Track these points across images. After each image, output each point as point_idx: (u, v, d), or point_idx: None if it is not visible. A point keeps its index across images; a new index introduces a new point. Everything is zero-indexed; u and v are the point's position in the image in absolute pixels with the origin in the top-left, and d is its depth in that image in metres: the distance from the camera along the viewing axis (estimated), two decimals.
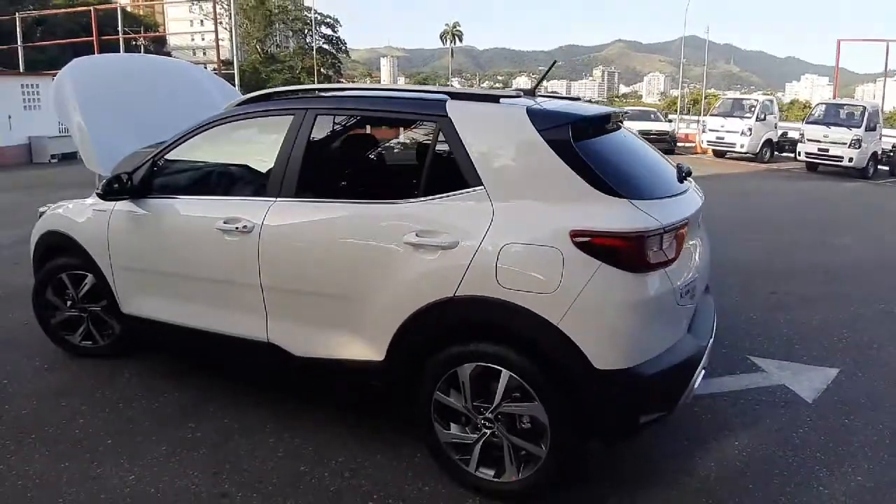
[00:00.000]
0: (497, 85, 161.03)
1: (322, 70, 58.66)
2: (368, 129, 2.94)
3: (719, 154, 19.49)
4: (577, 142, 2.46)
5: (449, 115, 2.62)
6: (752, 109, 18.44)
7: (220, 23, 55.25)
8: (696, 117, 28.22)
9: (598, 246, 2.27)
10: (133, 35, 40.51)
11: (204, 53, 68.25)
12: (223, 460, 2.92)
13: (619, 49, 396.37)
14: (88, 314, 4.03)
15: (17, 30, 24.09)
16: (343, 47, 62.73)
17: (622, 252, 2.26)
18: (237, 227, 3.01)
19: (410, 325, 2.56)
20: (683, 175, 2.89)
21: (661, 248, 2.33)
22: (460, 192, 2.53)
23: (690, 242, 2.66)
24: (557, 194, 2.41)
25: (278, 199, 2.96)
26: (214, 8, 24.97)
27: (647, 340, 2.35)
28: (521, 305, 2.33)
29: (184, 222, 3.31)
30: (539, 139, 2.45)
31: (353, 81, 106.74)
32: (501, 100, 2.67)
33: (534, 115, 2.53)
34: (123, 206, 3.52)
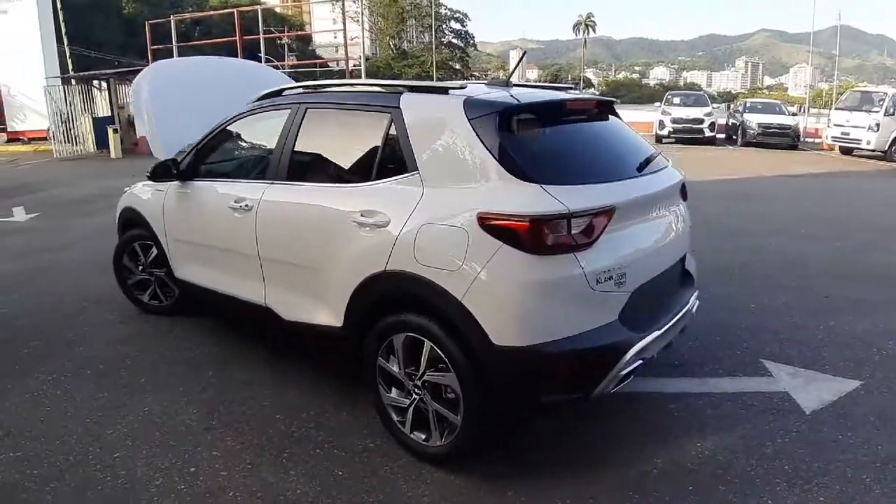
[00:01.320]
0: (633, 76, 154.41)
1: (451, 64, 60.07)
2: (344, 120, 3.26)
3: (846, 151, 17.62)
4: (506, 129, 2.58)
5: (401, 106, 2.86)
6: (881, 103, 16.42)
7: (356, 20, 58.39)
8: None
9: (500, 228, 2.39)
10: (276, 34, 43.69)
11: (338, 51, 72.35)
12: (220, 403, 3.42)
13: (764, 39, 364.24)
14: (154, 278, 4.74)
15: (173, 31, 26.93)
16: (471, 41, 63.56)
17: (521, 234, 2.36)
18: (242, 206, 3.51)
19: (357, 295, 2.86)
20: (646, 162, 2.93)
21: (566, 233, 2.39)
22: (400, 176, 2.79)
23: (631, 229, 2.66)
24: (476, 178, 2.56)
25: (274, 182, 3.41)
26: (343, 8, 26.30)
27: (548, 322, 2.41)
28: (433, 280, 2.52)
29: (211, 201, 3.84)
30: (468, 126, 2.61)
31: (486, 75, 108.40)
32: (450, 91, 2.83)
33: (468, 104, 2.68)
34: (174, 187, 4.13)
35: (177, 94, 4.82)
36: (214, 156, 4.03)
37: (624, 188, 2.69)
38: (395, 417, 2.87)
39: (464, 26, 62.32)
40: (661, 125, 20.17)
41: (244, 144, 3.98)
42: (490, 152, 2.53)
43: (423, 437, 2.76)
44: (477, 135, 2.57)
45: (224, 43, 32.84)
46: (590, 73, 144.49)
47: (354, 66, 33.29)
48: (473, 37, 64.66)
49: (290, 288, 3.33)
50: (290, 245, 3.28)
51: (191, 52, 37.48)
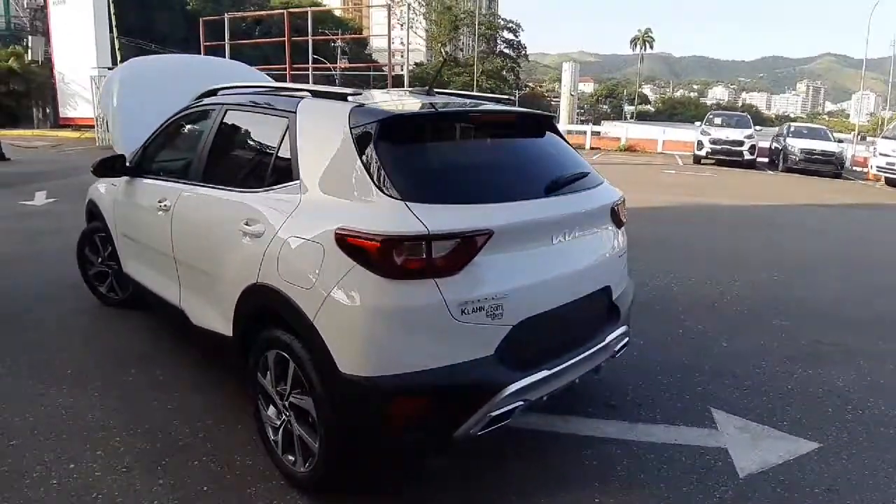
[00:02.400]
0: (691, 94, 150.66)
1: (503, 74, 59.79)
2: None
3: (892, 183, 16.37)
4: (387, 140, 2.37)
5: (297, 111, 2.70)
6: None
7: (411, 28, 58.77)
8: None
9: (353, 246, 2.18)
10: (330, 37, 44.34)
11: (400, 56, 73.04)
12: (127, 402, 3.38)
13: (828, 63, 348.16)
14: (112, 271, 4.68)
15: (226, 28, 27.60)
16: (524, 52, 63.20)
17: (371, 255, 2.14)
18: (163, 206, 3.44)
19: (238, 306, 2.73)
20: (561, 184, 2.67)
21: (424, 256, 2.15)
22: (284, 184, 2.62)
23: (518, 255, 2.39)
24: (347, 191, 2.36)
25: (189, 183, 3.33)
26: (389, 14, 26.43)
27: (397, 352, 2.18)
28: (290, 297, 2.35)
29: (145, 199, 3.79)
30: (348, 136, 2.42)
31: (541, 86, 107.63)
32: (348, 98, 2.65)
33: (353, 113, 2.49)
34: (123, 183, 4.09)
35: (145, 92, 4.81)
36: (156, 154, 3.98)
37: (511, 210, 2.41)
38: (270, 436, 2.70)
39: (517, 37, 62.01)
40: (700, 145, 19.42)
41: (178, 143, 3.90)
42: (363, 164, 2.33)
43: (293, 459, 2.58)
44: (355, 145, 2.38)
45: (274, 43, 33.47)
46: (647, 90, 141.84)
47: (397, 73, 33.41)
48: (526, 47, 64.25)
49: (197, 292, 3.22)
50: (195, 248, 3.19)
51: (244, 50, 38.47)
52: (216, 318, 2.97)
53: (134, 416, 3.21)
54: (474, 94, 3.66)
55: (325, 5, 62.34)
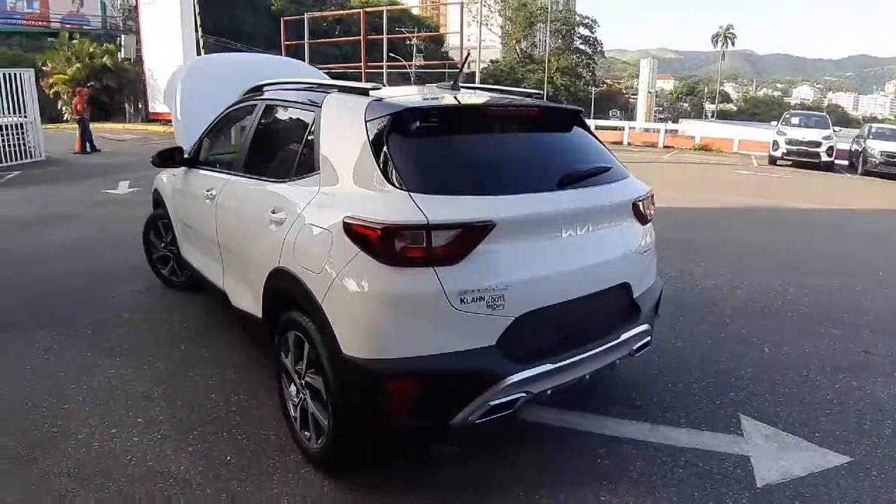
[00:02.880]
0: (775, 93, 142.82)
1: (578, 70, 58.76)
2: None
3: None
4: (399, 133, 2.45)
5: (322, 105, 2.82)
6: None
7: (486, 25, 58.67)
8: None
9: (358, 234, 2.27)
10: (405, 35, 44.89)
11: (461, 53, 72.91)
12: (172, 375, 3.65)
13: None
14: (172, 254, 5.00)
15: (305, 28, 28.49)
16: (599, 48, 61.84)
17: (374, 242, 2.23)
18: (209, 194, 3.68)
19: (265, 288, 2.89)
20: (577, 178, 2.68)
21: (424, 245, 2.20)
22: (308, 175, 2.75)
23: (523, 247, 2.41)
24: (359, 181, 2.46)
25: (233, 173, 3.55)
26: (462, 12, 26.46)
27: (395, 337, 2.25)
28: (303, 280, 2.48)
29: (197, 188, 4.04)
30: (363, 129, 2.51)
31: (619, 83, 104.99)
32: (370, 93, 2.73)
33: (370, 106, 2.57)
34: (181, 173, 4.36)
35: (207, 89, 5.09)
36: (208, 146, 4.24)
37: (517, 203, 2.42)
38: (291, 413, 2.84)
39: (592, 33, 60.73)
40: (775, 146, 18.36)
41: (226, 137, 4.15)
42: (375, 156, 2.42)
43: (308, 436, 2.71)
44: (367, 137, 2.48)
45: (353, 41, 34.28)
46: (729, 88, 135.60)
47: (484, 68, 33.55)
48: (602, 44, 62.78)
49: (236, 276, 3.43)
50: (234, 234, 3.40)
51: (324, 49, 39.52)
52: (250, 300, 3.16)
53: (175, 388, 3.47)
54: (503, 88, 3.66)
55: (402, 4, 63.14)
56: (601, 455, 2.89)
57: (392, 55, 40.91)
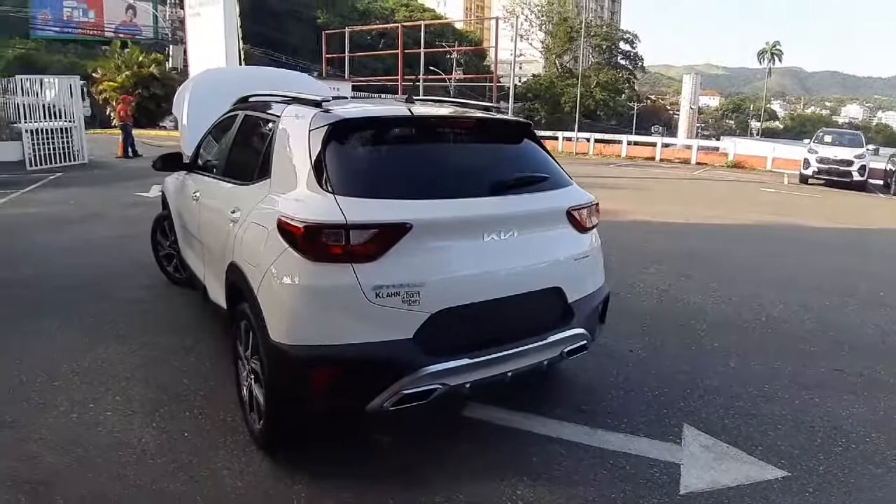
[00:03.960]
0: (823, 112, 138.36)
1: (618, 85, 58.30)
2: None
3: None
4: (335, 141, 2.66)
5: (281, 115, 3.07)
6: None
7: (527, 39, 58.70)
8: None
9: (286, 231, 2.49)
10: (444, 49, 45.50)
11: (520, 67, 73.35)
12: (154, 361, 3.92)
13: None
14: (176, 252, 5.30)
15: (346, 41, 29.27)
16: (640, 63, 61.23)
17: (297, 239, 2.44)
18: (195, 196, 3.99)
19: (226, 282, 3.15)
20: (508, 185, 2.85)
21: (343, 243, 2.40)
22: (263, 179, 3.00)
23: (442, 248, 2.58)
24: (298, 184, 2.67)
25: (214, 177, 3.84)
26: (496, 30, 26.74)
27: (314, 325, 2.44)
28: (245, 273, 2.74)
29: (188, 190, 4.33)
30: (305, 138, 2.73)
31: (663, 98, 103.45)
32: (323, 104, 2.93)
33: (316, 116, 2.79)
34: (181, 176, 4.65)
35: (211, 99, 5.39)
36: (202, 152, 4.52)
37: (437, 207, 2.60)
38: (244, 396, 3.06)
39: (633, 48, 60.18)
40: (806, 164, 17.90)
41: (214, 144, 4.41)
42: (312, 162, 2.64)
43: (255, 417, 2.92)
44: (308, 145, 2.70)
45: (392, 54, 35.01)
46: (776, 105, 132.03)
47: (526, 81, 33.83)
48: (643, 59, 62.18)
49: (211, 270, 3.70)
50: (209, 232, 3.68)
51: (365, 62, 40.37)
52: (219, 293, 3.42)
53: (155, 372, 3.75)
54: (465, 102, 3.83)
55: (445, 18, 63.80)
56: (532, 453, 3.00)
57: (433, 69, 41.57)
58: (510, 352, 2.74)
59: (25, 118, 13.99)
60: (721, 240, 8.92)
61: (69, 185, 11.88)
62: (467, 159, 2.98)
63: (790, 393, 3.81)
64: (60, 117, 14.54)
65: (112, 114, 27.19)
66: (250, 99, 3.94)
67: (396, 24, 38.30)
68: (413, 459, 2.91)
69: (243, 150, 3.61)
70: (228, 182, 3.50)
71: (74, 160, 14.70)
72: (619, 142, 28.04)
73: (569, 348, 2.98)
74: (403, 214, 2.49)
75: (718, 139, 40.25)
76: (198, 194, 3.93)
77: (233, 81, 5.88)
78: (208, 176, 3.99)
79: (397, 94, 32.54)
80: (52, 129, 14.17)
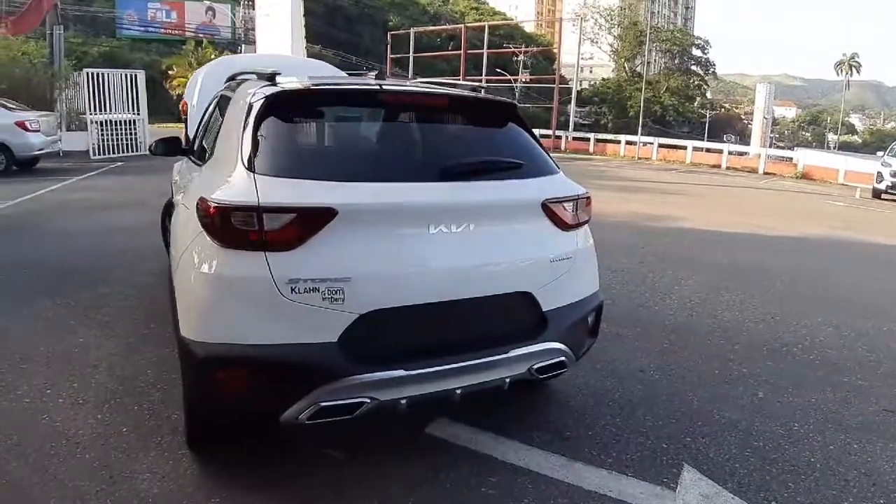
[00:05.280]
0: None
1: (688, 91, 55.97)
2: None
3: None
4: (271, 116, 2.34)
5: (236, 91, 2.82)
6: None
7: (596, 43, 57.26)
8: None
9: (201, 212, 2.18)
10: (510, 50, 44.82)
11: (590, 71, 71.61)
12: (131, 349, 3.75)
13: None
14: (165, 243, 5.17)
15: (411, 42, 29.20)
16: (711, 69, 58.64)
17: (208, 221, 2.13)
18: (176, 180, 3.92)
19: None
20: (465, 170, 2.44)
21: (255, 228, 2.06)
22: (209, 160, 2.72)
23: (378, 238, 2.20)
24: (228, 162, 2.36)
25: (190, 160, 3.63)
26: (560, 32, 26.02)
27: (224, 321, 2.11)
28: (171, 259, 2.52)
29: (183, 174, 4.06)
30: (243, 112, 2.41)
31: (737, 107, 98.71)
32: (277, 78, 2.61)
33: (259, 90, 2.46)
34: (182, 161, 4.47)
35: (220, 86, 5.20)
36: (196, 137, 4.28)
37: (368, 190, 2.21)
38: None
39: (705, 54, 57.60)
40: (879, 178, 16.23)
41: (205, 128, 4.18)
42: (243, 138, 2.32)
43: None
44: (245, 120, 2.37)
45: (454, 55, 34.78)
46: (854, 119, 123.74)
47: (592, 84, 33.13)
48: (714, 65, 59.43)
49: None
50: (175, 219, 3.42)
51: (429, 62, 40.31)
52: None
53: (122, 362, 3.54)
54: (451, 83, 3.39)
55: (512, 19, 63.07)
56: (490, 483, 2.55)
57: (499, 71, 40.99)
58: (458, 365, 2.31)
59: (92, 110, 14.49)
60: (772, 252, 8.07)
61: (124, 173, 12.19)
62: (424, 140, 2.59)
63: (824, 435, 3.18)
64: (127, 110, 15.01)
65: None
66: (236, 79, 3.67)
67: (460, 26, 37.97)
68: (354, 480, 2.52)
69: (208, 131, 3.36)
70: (194, 163, 3.25)
71: (137, 150, 15.14)
72: (684, 147, 26.74)
73: (539, 365, 2.52)
74: (327, 198, 2.12)
75: (792, 150, 37.81)
76: (177, 178, 3.69)
77: (244, 67, 5.69)
78: (191, 159, 3.75)
79: None
80: (116, 121, 14.63)
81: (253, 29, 30.27)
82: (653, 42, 57.56)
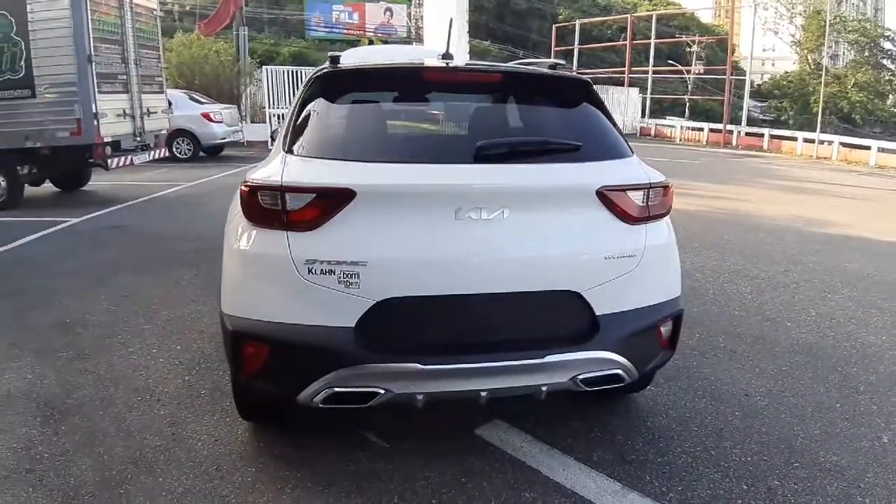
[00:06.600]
0: None
1: (878, 87, 47.98)
2: None
3: None
4: (316, 95, 2.34)
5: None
6: None
7: (777, 33, 51.26)
8: None
9: (241, 191, 2.20)
10: (682, 40, 41.81)
11: (773, 64, 64.55)
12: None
13: None
14: None
15: (576, 33, 28.35)
16: None
17: (242, 200, 2.14)
18: None
19: None
20: (508, 152, 2.23)
21: (279, 207, 2.03)
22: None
23: (399, 222, 2.05)
24: (279, 144, 2.38)
25: None
26: (731, 21, 23.52)
27: (251, 297, 2.13)
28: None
29: None
30: (301, 95, 2.42)
31: None
32: (342, 60, 2.53)
33: (317, 71, 2.47)
34: None
35: None
36: None
37: (391, 171, 2.08)
38: None
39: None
40: None
41: None
42: (289, 119, 2.35)
43: None
44: (299, 101, 2.38)
45: (622, 46, 33.31)
46: None
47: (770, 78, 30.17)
48: None
49: None
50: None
51: (598, 53, 38.96)
52: None
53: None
54: (529, 61, 3.08)
55: (683, 8, 58.66)
56: (527, 500, 2.28)
57: (671, 62, 38.41)
58: (483, 365, 2.08)
59: (270, 104, 15.91)
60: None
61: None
62: (470, 121, 2.40)
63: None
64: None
65: None
66: None
67: (627, 16, 36.01)
68: (386, 475, 2.40)
69: None
70: None
71: None
72: (868, 147, 22.93)
73: (586, 376, 2.19)
74: (346, 179, 2.02)
75: None
76: None
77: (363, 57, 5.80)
78: None
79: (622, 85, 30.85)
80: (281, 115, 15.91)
81: (422, 27, 31.35)
82: (838, 33, 49.95)
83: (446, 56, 2.59)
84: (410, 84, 2.47)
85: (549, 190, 2.16)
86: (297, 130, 2.24)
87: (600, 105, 2.45)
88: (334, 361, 2.00)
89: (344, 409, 2.30)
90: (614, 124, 2.46)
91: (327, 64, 2.48)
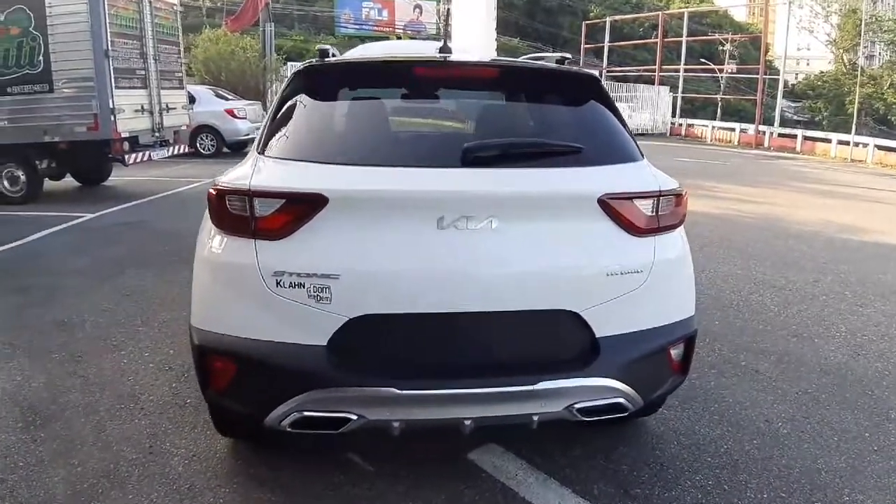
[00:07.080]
0: None
1: None
2: None
3: None
4: (295, 92, 2.17)
5: None
6: None
7: (812, 32, 49.69)
8: None
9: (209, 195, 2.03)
10: (713, 38, 40.82)
11: (807, 63, 62.67)
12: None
13: None
14: None
15: (606, 31, 27.89)
16: None
17: (210, 205, 1.97)
18: None
19: None
20: (500, 155, 2.02)
21: (247, 213, 1.85)
22: None
23: (375, 231, 1.86)
24: (255, 145, 2.21)
25: None
26: (766, 19, 22.69)
27: (217, 310, 1.96)
28: None
29: None
30: (280, 93, 2.25)
31: None
32: (331, 54, 2.38)
33: (299, 67, 2.31)
34: None
35: None
36: None
37: (366, 175, 1.89)
38: None
39: None
40: None
41: None
42: (270, 118, 2.17)
43: None
44: (279, 99, 2.21)
45: (670, 44, 32.72)
46: None
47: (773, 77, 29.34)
48: None
49: None
50: None
51: (627, 51, 38.33)
52: None
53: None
54: (533, 57, 2.86)
55: (716, 7, 57.25)
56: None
57: (704, 60, 37.50)
58: (468, 392, 1.88)
59: None
60: None
61: None
62: (461, 121, 2.23)
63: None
64: None
65: None
66: None
67: (658, 13, 35.28)
68: (363, 499, 2.22)
69: None
70: None
71: None
72: None
73: (583, 405, 1.98)
74: (318, 183, 1.84)
75: None
76: None
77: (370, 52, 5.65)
78: None
79: (653, 83, 30.24)
80: None
81: (450, 24, 31.15)
82: (874, 32, 48.07)
83: (444, 50, 2.39)
84: (398, 80, 2.27)
85: (544, 197, 1.95)
86: (273, 130, 2.08)
87: (609, 103, 2.23)
88: (303, 383, 1.83)
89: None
90: (624, 124, 2.23)
91: (307, 62, 2.32)
